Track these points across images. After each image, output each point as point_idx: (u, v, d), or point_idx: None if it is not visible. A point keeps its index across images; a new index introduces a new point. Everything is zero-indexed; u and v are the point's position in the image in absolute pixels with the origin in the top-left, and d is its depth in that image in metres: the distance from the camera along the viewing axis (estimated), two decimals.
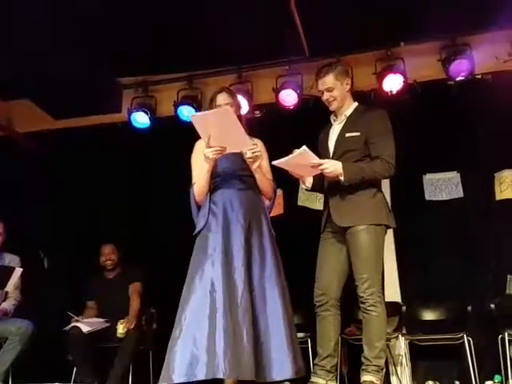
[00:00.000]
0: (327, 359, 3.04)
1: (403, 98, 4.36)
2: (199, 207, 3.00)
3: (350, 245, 2.99)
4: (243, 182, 3.00)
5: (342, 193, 3.01)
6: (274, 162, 2.92)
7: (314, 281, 3.17)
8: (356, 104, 3.17)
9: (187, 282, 2.84)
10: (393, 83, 4.33)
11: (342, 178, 2.92)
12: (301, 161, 2.87)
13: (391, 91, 4.35)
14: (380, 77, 4.36)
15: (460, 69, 4.22)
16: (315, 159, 2.89)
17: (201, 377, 2.62)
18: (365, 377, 2.91)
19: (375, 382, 2.88)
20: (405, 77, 4.30)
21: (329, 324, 3.07)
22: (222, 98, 3.04)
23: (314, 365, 3.12)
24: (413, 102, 4.46)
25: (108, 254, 4.62)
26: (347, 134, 3.05)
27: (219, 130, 2.75)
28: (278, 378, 2.75)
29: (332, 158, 3.05)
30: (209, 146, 2.80)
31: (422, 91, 4.42)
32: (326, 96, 3.11)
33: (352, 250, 2.99)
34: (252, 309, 2.75)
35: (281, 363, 2.73)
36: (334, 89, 3.07)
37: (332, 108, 3.15)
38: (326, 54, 4.17)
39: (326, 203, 3.17)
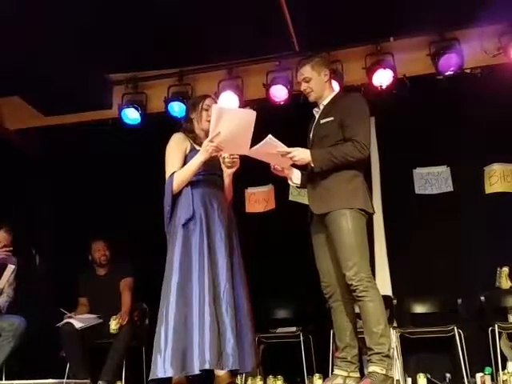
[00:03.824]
0: (346, 350, 3.00)
1: (393, 92, 4.38)
2: (173, 198, 2.98)
3: (330, 232, 2.95)
4: (218, 182, 3.07)
5: (317, 181, 2.99)
6: (246, 152, 2.91)
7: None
8: (335, 92, 3.15)
9: (169, 275, 2.85)
10: (383, 78, 4.36)
11: (312, 165, 2.92)
12: (270, 150, 2.88)
13: (381, 86, 4.37)
14: (370, 71, 4.38)
15: (449, 63, 4.24)
16: (282, 147, 2.89)
17: (193, 371, 2.66)
18: (369, 368, 2.84)
19: (379, 371, 2.76)
20: (394, 71, 4.32)
21: (341, 314, 3.03)
22: (209, 103, 3.10)
23: (335, 358, 3.08)
24: (403, 96, 4.48)
25: (103, 250, 4.62)
26: (322, 121, 3.05)
27: (231, 130, 2.77)
28: (247, 370, 2.91)
29: (310, 146, 3.06)
30: (211, 141, 2.82)
31: (411, 86, 4.44)
32: (303, 86, 3.11)
33: (332, 237, 2.93)
34: (234, 303, 2.81)
35: (250, 356, 2.83)
36: (311, 79, 3.07)
37: (310, 99, 3.15)
38: (316, 49, 4.17)
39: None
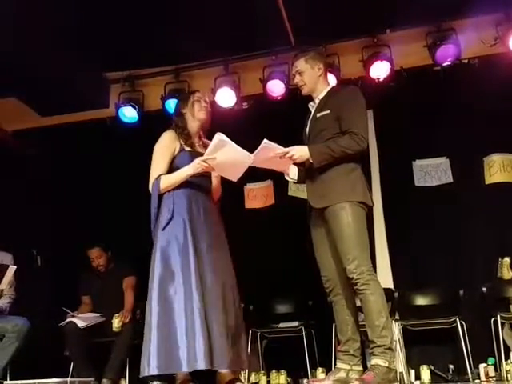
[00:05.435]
0: (348, 343, 3.00)
1: (390, 84, 4.37)
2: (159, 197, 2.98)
3: (330, 226, 2.93)
4: (206, 184, 3.06)
5: (316, 175, 2.98)
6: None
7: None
8: (330, 87, 3.15)
9: (158, 276, 2.84)
10: (380, 70, 4.35)
11: (311, 161, 2.91)
12: (267, 154, 2.86)
13: (378, 78, 4.36)
14: (367, 64, 4.37)
15: (446, 54, 4.23)
16: (279, 149, 2.88)
17: (180, 370, 2.70)
18: (372, 361, 2.83)
19: (382, 364, 2.76)
20: (391, 64, 4.32)
21: (342, 308, 3.03)
22: (199, 95, 3.12)
23: (337, 352, 3.09)
24: (400, 88, 4.46)
25: (97, 258, 4.60)
26: (318, 114, 3.04)
27: (226, 161, 2.82)
28: (243, 367, 3.00)
29: (307, 141, 3.06)
30: (204, 161, 2.83)
31: (408, 77, 4.42)
32: (296, 79, 3.12)
33: (332, 231, 2.92)
34: (223, 301, 2.82)
35: (244, 354, 2.86)
36: (304, 72, 3.07)
37: (303, 92, 3.15)
38: (312, 42, 4.16)
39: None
